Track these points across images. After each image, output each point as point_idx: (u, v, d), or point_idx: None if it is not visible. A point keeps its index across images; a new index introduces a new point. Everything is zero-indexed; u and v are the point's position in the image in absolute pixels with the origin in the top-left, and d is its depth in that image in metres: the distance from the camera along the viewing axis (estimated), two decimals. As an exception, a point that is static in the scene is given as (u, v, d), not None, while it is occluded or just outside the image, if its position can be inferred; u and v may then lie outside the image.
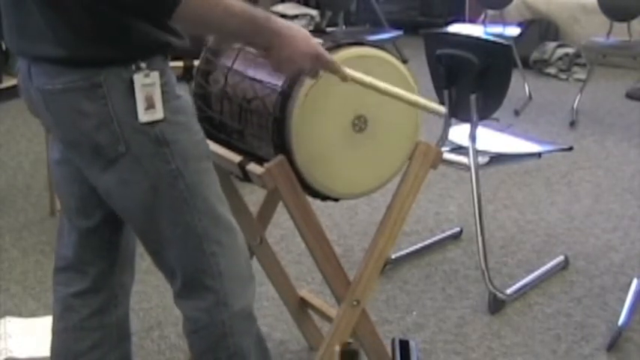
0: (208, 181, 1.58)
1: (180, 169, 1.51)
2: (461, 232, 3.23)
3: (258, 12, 1.46)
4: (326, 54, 1.56)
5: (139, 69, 1.45)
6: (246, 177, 1.82)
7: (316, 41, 1.54)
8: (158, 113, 1.47)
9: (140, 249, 1.77)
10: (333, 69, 1.59)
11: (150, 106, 1.46)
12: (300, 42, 1.51)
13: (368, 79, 1.65)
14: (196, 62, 1.99)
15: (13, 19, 1.49)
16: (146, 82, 1.45)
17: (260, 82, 1.78)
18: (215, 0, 1.41)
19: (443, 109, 1.72)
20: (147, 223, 1.57)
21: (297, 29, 1.51)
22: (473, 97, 2.67)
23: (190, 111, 1.57)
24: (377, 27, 6.07)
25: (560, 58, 5.91)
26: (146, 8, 1.39)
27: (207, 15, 1.41)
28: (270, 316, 2.58)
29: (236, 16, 1.43)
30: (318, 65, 1.56)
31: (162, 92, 1.47)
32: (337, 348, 1.79)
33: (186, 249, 1.58)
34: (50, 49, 1.43)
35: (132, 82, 1.44)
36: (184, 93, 1.56)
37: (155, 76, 1.46)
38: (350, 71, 1.62)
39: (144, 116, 1.46)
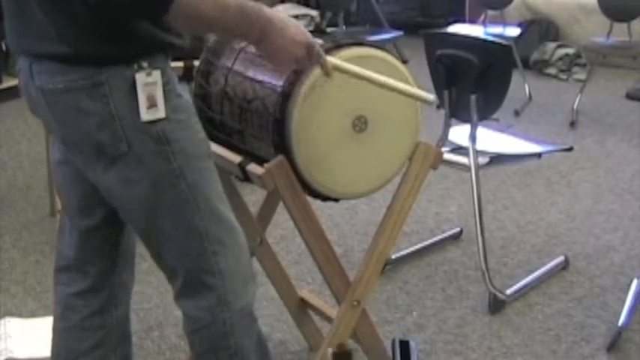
0: (210, 180, 1.58)
1: (181, 168, 1.51)
2: (461, 232, 3.23)
3: (250, 3, 1.44)
4: (316, 44, 1.54)
5: (140, 68, 1.45)
6: (247, 177, 1.82)
7: (307, 32, 1.52)
8: (160, 112, 1.47)
9: (140, 249, 1.77)
10: (321, 61, 1.57)
11: (152, 105, 1.46)
12: (292, 30, 1.49)
13: (356, 69, 1.63)
14: (196, 62, 1.99)
15: (15, 17, 1.49)
16: (148, 81, 1.45)
17: (260, 82, 1.78)
18: None
19: (431, 97, 1.69)
20: (148, 222, 1.57)
21: (287, 19, 1.50)
22: (473, 97, 2.67)
23: (191, 110, 1.57)
24: (377, 27, 6.07)
25: (560, 59, 5.91)
26: (141, 5, 1.39)
27: (201, 10, 1.39)
28: (271, 317, 2.58)
29: (228, 9, 1.42)
30: (309, 54, 1.53)
31: (164, 91, 1.48)
32: (330, 350, 1.79)
33: (187, 248, 1.58)
34: (52, 46, 1.43)
35: (134, 81, 1.45)
36: (184, 93, 1.56)
37: (157, 75, 1.47)
38: (337, 61, 1.60)
39: (146, 115, 1.46)
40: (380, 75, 1.66)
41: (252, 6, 1.45)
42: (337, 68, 1.62)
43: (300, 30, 1.51)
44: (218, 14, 1.42)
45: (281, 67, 1.65)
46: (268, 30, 1.47)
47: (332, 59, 1.61)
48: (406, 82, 1.80)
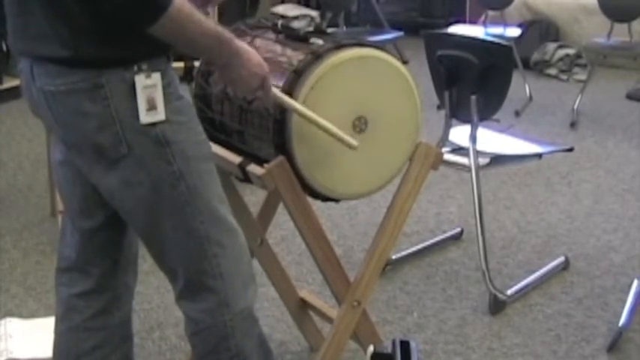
0: (210, 182, 1.58)
1: (181, 170, 1.52)
2: (461, 232, 3.23)
3: (225, 33, 1.49)
4: (269, 81, 1.59)
5: (140, 70, 1.45)
6: (247, 178, 1.82)
7: (265, 66, 1.58)
8: (160, 114, 1.48)
9: (141, 250, 1.77)
10: (267, 94, 1.62)
11: (151, 107, 1.46)
12: (253, 63, 1.54)
13: (298, 107, 1.67)
14: (197, 63, 1.99)
15: (16, 19, 1.50)
16: (148, 84, 1.46)
17: (260, 83, 1.77)
18: (191, 17, 1.42)
19: (355, 143, 1.72)
20: (149, 224, 1.57)
21: (252, 52, 1.56)
22: (473, 97, 2.66)
23: (192, 112, 1.57)
24: (377, 28, 6.07)
25: (560, 59, 5.91)
26: (127, 18, 1.40)
27: (186, 30, 1.43)
28: (271, 317, 2.58)
29: (207, 35, 1.46)
30: (263, 86, 1.59)
31: (165, 93, 1.48)
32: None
33: (188, 250, 1.58)
34: (53, 49, 1.43)
35: (133, 83, 1.45)
36: (186, 94, 1.57)
37: (157, 77, 1.47)
38: (283, 97, 1.65)
39: (145, 117, 1.46)
40: (318, 117, 1.68)
41: (227, 37, 1.50)
42: (281, 104, 1.67)
43: (260, 63, 1.56)
44: (198, 37, 1.45)
45: (238, 92, 1.72)
46: (234, 61, 1.52)
47: (277, 93, 1.65)
48: (407, 83, 1.80)
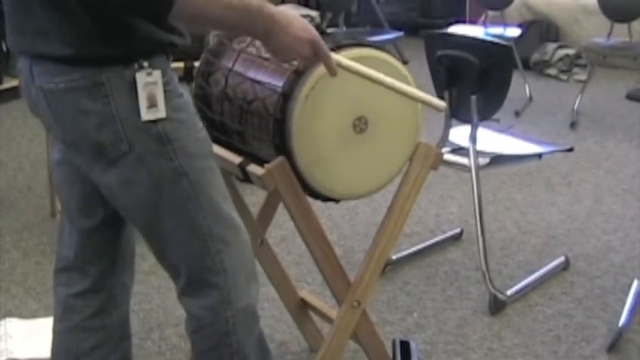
0: (212, 178, 1.58)
1: (183, 167, 1.51)
2: (461, 233, 3.23)
3: (254, 2, 1.45)
4: (322, 42, 1.54)
5: (141, 68, 1.45)
6: (247, 178, 1.82)
7: (313, 29, 1.52)
8: (160, 112, 1.47)
9: (140, 249, 1.77)
10: (326, 60, 1.57)
11: (152, 104, 1.46)
12: (296, 28, 1.49)
13: (363, 68, 1.62)
14: (197, 63, 1.99)
15: (15, 17, 1.49)
16: (148, 81, 1.45)
17: (260, 83, 1.78)
18: None
19: (442, 103, 1.69)
20: (151, 221, 1.57)
21: (293, 15, 1.50)
22: (473, 98, 2.67)
23: (192, 109, 1.57)
24: (377, 28, 6.07)
25: (560, 59, 5.92)
26: (145, 4, 1.39)
27: (205, 10, 1.41)
28: (271, 317, 2.58)
29: (232, 9, 1.43)
30: (315, 52, 1.53)
31: (165, 91, 1.48)
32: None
33: (190, 247, 1.58)
34: (55, 47, 1.43)
35: (134, 80, 1.45)
36: (185, 93, 1.56)
37: (157, 74, 1.46)
38: (343, 60, 1.60)
39: (146, 114, 1.46)
40: (388, 77, 1.65)
41: (257, 4, 1.46)
42: (343, 67, 1.62)
43: (305, 27, 1.51)
44: (221, 14, 1.43)
45: (288, 62, 1.64)
46: (272, 28, 1.48)
47: (339, 57, 1.61)
48: (407, 83, 1.80)
